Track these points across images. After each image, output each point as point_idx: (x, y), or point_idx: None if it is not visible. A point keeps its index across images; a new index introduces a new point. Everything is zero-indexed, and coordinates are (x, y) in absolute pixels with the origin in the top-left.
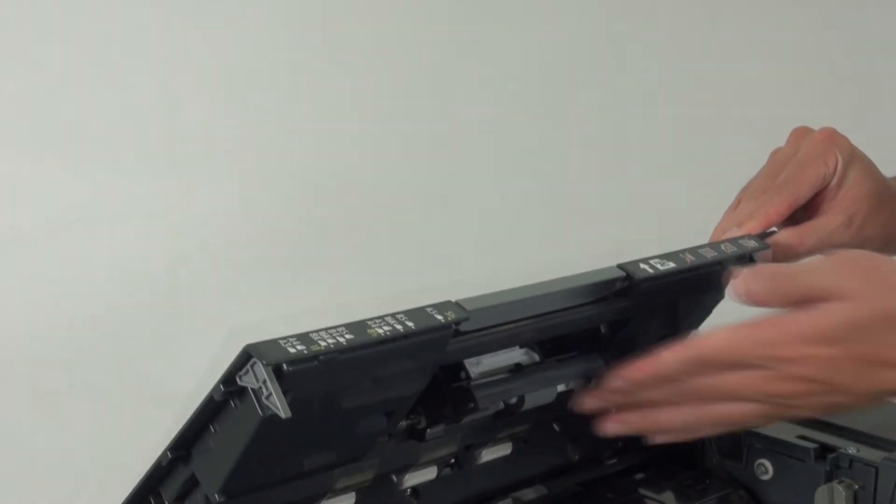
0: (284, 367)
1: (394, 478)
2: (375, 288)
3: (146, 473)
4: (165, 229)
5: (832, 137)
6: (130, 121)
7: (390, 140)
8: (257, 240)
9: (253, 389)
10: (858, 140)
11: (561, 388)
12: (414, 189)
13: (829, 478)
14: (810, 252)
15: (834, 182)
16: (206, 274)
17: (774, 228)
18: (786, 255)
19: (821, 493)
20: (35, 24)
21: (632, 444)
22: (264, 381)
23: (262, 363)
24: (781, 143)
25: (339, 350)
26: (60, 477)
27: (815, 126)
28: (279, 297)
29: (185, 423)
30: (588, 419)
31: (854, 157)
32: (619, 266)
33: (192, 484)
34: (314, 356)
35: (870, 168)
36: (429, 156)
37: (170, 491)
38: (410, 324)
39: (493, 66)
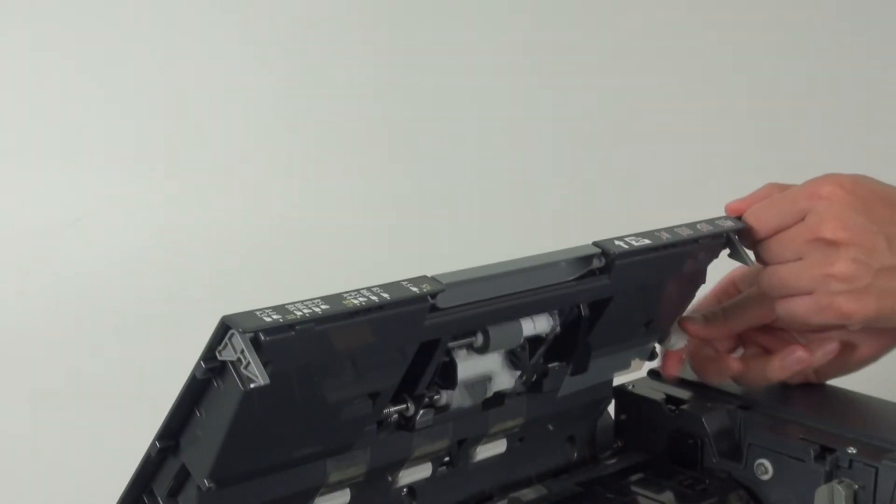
0: (261, 336)
1: (388, 477)
2: None
3: (137, 468)
4: (164, 229)
5: None
6: (130, 122)
7: (386, 141)
8: (258, 240)
9: (232, 362)
10: (860, 147)
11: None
12: (411, 192)
13: (829, 478)
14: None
15: None
16: (206, 273)
17: None
18: None
19: (821, 493)
20: (35, 25)
21: (631, 444)
22: (242, 352)
23: (239, 331)
24: (777, 149)
25: (315, 320)
26: (60, 477)
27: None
28: (279, 297)
29: (171, 409)
30: (582, 418)
31: None
32: (595, 243)
33: (184, 477)
34: (290, 325)
35: None
36: (423, 159)
37: (162, 487)
38: (386, 295)
39: (486, 64)
